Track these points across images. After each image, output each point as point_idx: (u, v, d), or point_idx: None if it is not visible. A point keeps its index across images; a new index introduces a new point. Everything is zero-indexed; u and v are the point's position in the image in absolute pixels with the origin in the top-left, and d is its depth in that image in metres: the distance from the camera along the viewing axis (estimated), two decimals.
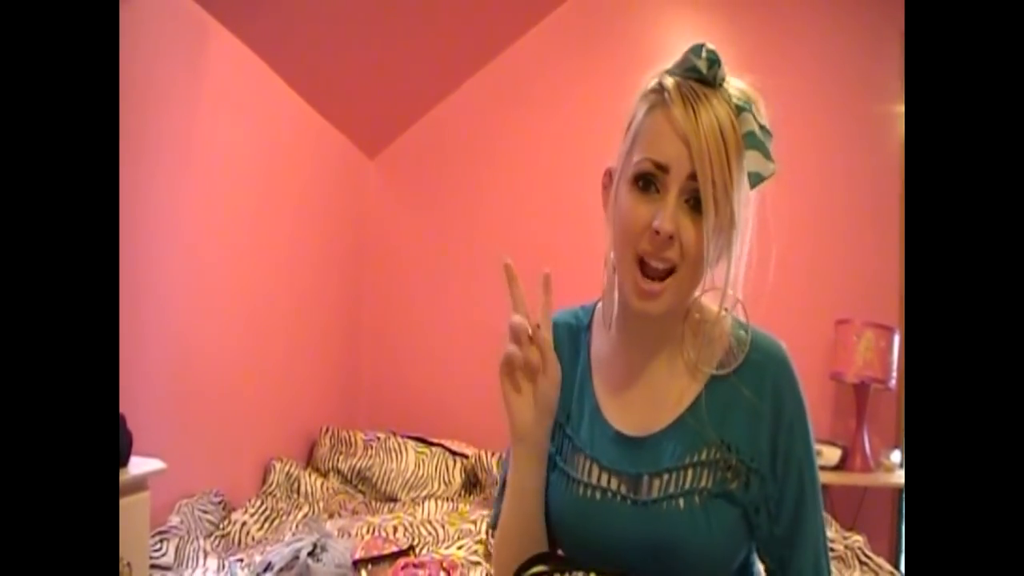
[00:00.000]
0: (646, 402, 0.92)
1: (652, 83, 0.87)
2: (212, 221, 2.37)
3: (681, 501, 0.86)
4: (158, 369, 2.10)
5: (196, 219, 2.28)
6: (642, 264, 0.84)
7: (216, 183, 2.38)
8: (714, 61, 0.83)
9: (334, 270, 3.29)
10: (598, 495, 0.90)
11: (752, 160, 0.82)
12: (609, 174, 0.92)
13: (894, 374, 2.83)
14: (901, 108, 3.02)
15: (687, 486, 0.86)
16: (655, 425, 0.90)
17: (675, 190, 0.82)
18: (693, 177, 0.81)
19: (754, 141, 0.82)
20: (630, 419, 0.92)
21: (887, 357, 2.80)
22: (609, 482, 0.90)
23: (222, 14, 2.29)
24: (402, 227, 3.52)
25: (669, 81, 0.84)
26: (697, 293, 0.89)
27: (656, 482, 0.88)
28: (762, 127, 0.83)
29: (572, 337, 1.00)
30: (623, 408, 0.93)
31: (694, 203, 0.83)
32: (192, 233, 2.26)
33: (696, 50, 0.83)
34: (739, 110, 0.83)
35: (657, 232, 0.81)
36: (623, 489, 0.89)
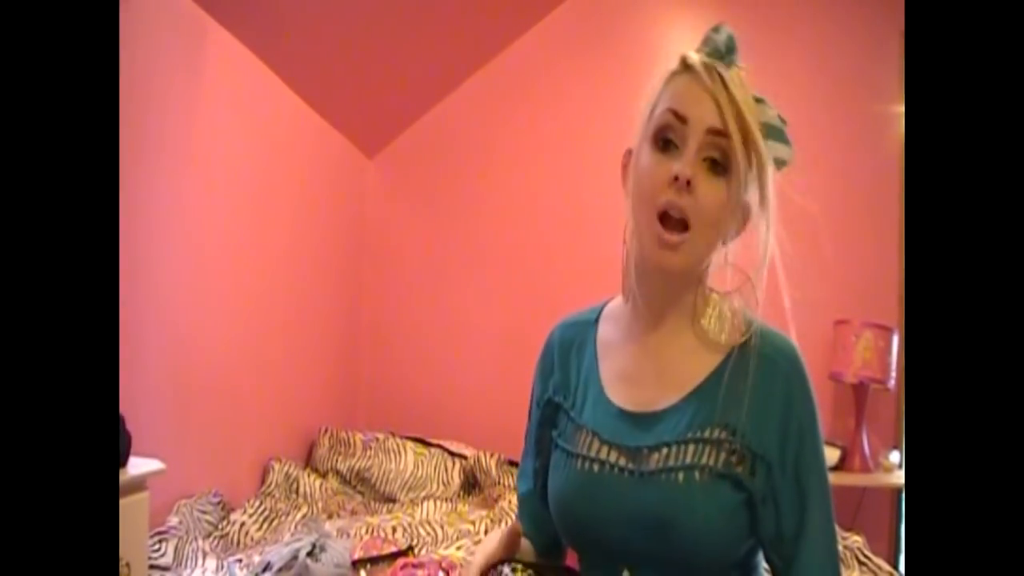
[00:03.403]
0: (653, 381, 0.92)
1: (673, 64, 0.88)
2: (211, 221, 2.37)
3: (680, 475, 0.84)
4: (157, 370, 2.10)
5: (195, 219, 2.28)
6: (662, 218, 0.84)
7: (215, 183, 2.38)
8: (732, 47, 0.86)
9: (333, 270, 3.29)
10: (596, 467, 0.89)
11: (773, 148, 0.85)
12: (629, 153, 0.91)
13: (893, 374, 2.83)
14: (901, 108, 3.03)
15: (688, 460, 0.84)
16: (660, 403, 0.90)
17: (694, 143, 0.83)
18: (713, 132, 0.82)
19: (772, 130, 0.85)
20: (636, 398, 0.92)
21: (886, 357, 2.81)
22: (608, 454, 0.89)
23: (220, 14, 2.29)
24: (401, 227, 3.52)
25: (693, 55, 0.86)
26: (714, 263, 0.89)
27: (656, 455, 0.86)
28: (779, 116, 0.86)
29: (580, 333, 1.00)
30: (629, 387, 0.93)
31: (712, 164, 0.83)
32: (191, 233, 2.26)
33: (716, 28, 0.87)
34: (757, 100, 0.85)
35: (676, 178, 0.81)
36: (622, 461, 0.88)
